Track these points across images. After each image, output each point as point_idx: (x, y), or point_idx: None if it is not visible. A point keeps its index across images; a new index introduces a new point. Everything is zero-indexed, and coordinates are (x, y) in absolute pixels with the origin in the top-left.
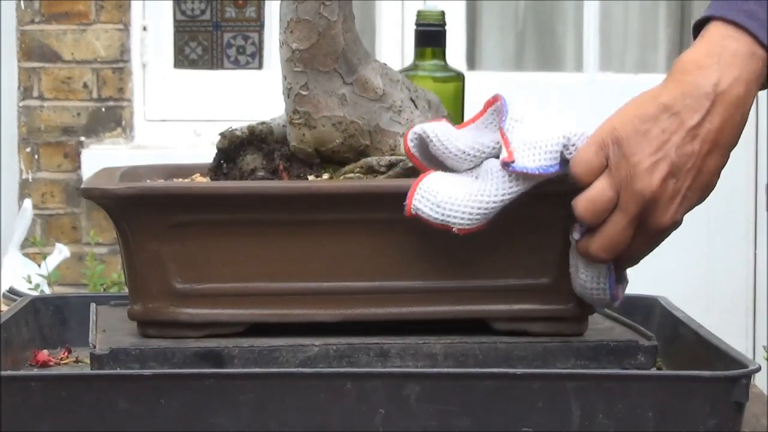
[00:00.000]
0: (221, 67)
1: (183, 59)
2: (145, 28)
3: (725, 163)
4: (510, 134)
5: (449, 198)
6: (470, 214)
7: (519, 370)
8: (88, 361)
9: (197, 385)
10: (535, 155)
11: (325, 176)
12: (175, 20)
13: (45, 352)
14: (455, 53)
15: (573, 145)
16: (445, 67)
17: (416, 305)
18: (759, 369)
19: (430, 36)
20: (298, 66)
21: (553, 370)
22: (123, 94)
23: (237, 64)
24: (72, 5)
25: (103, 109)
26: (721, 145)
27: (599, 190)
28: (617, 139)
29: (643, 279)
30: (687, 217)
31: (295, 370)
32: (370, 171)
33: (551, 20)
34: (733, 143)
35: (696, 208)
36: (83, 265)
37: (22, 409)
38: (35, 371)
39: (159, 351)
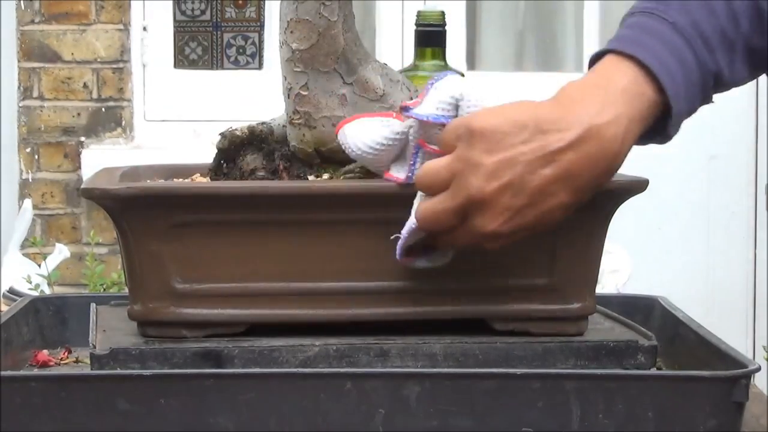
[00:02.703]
0: (221, 67)
1: (183, 59)
2: (145, 28)
3: (573, 204)
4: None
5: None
6: (359, 148)
7: (519, 370)
8: (88, 361)
9: (197, 385)
10: (429, 106)
11: (325, 176)
12: (175, 20)
13: (45, 352)
14: (455, 53)
15: (466, 101)
16: (445, 68)
17: (416, 305)
18: (759, 369)
19: (430, 36)
20: (298, 66)
21: (553, 370)
22: (123, 94)
23: (237, 65)
24: (72, 5)
25: (103, 109)
26: (575, 181)
27: (438, 165)
28: (476, 130)
29: (643, 279)
30: (687, 217)
31: (295, 370)
32: (370, 172)
33: (551, 20)
34: (590, 185)
35: (696, 208)
36: (83, 265)
37: (22, 409)
38: (35, 371)
39: (159, 351)
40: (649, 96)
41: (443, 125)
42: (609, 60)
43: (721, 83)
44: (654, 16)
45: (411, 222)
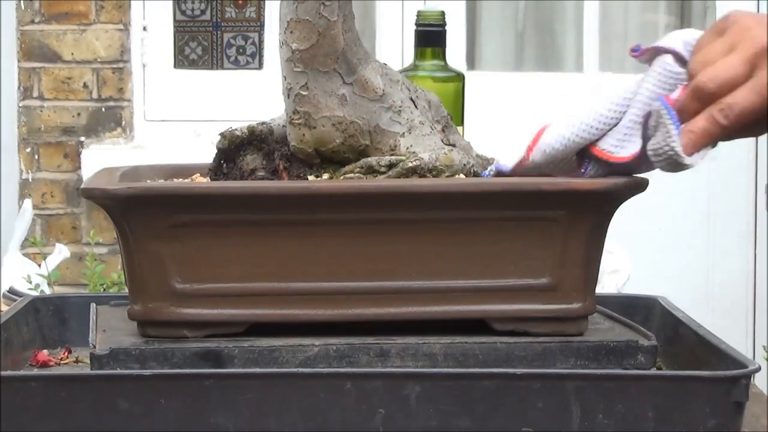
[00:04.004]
0: (221, 67)
1: (183, 59)
2: (145, 28)
3: None
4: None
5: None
6: (577, 134)
7: (519, 370)
8: (88, 361)
9: (197, 385)
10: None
11: (325, 176)
12: (175, 20)
13: (45, 352)
14: (455, 53)
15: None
16: (445, 67)
17: (416, 305)
18: (759, 369)
19: (430, 36)
20: (298, 66)
21: (553, 370)
22: (123, 94)
23: (237, 64)
24: (72, 5)
25: (103, 109)
26: None
27: (713, 47)
28: (734, 19)
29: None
30: (687, 217)
31: (295, 370)
32: (370, 171)
33: (551, 20)
34: None
35: (696, 208)
36: (83, 265)
37: (22, 409)
38: (35, 371)
39: (159, 351)
40: None
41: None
42: None
43: None
44: None
45: (670, 125)
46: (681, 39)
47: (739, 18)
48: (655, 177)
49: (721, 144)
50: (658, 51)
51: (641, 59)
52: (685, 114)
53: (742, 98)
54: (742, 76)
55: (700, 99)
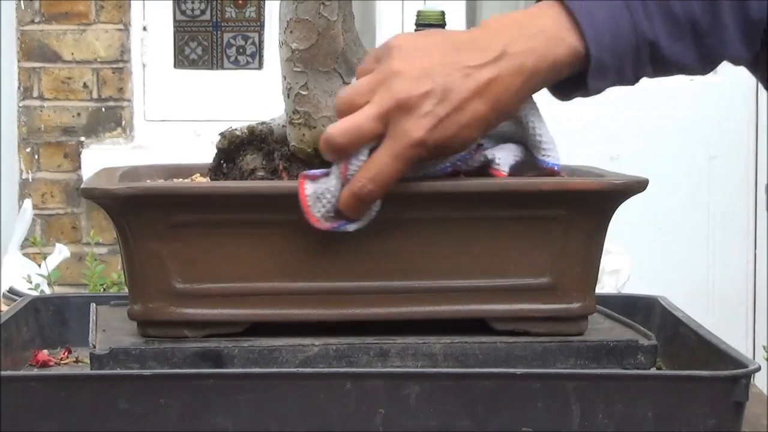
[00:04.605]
0: (221, 67)
1: (183, 59)
2: (145, 28)
3: (492, 119)
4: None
5: None
6: None
7: (519, 370)
8: (88, 361)
9: (197, 385)
10: None
11: None
12: (175, 20)
13: (45, 352)
14: None
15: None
16: None
17: (416, 305)
18: (759, 369)
19: None
20: (298, 66)
21: (553, 370)
22: (123, 94)
23: (237, 64)
24: (72, 5)
25: (103, 109)
26: (494, 94)
27: (359, 81)
28: (394, 46)
29: (643, 279)
30: (687, 217)
31: (295, 370)
32: None
33: None
34: (508, 100)
35: (696, 208)
36: (83, 265)
37: (22, 409)
38: (35, 371)
39: (159, 351)
40: (570, 42)
41: None
42: (542, 4)
43: (661, 57)
44: None
45: (332, 184)
46: None
47: (395, 46)
48: (656, 177)
49: (721, 144)
50: None
51: None
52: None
53: (385, 166)
54: (373, 134)
55: (333, 151)
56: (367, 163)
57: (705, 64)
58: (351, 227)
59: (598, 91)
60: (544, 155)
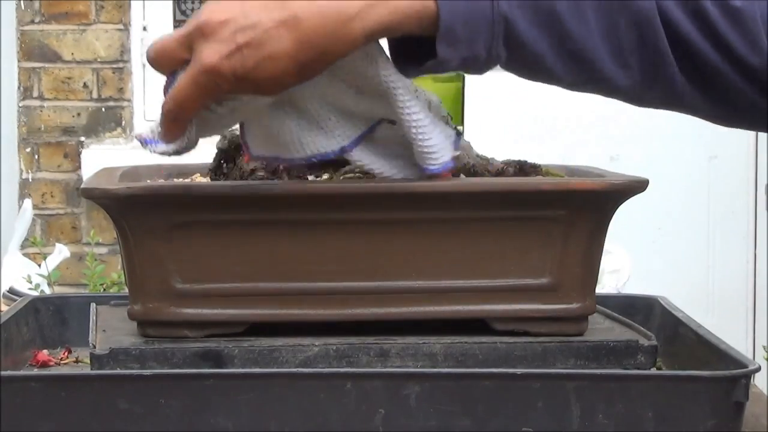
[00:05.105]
0: None
1: None
2: (145, 28)
3: (298, 59)
4: None
5: None
6: None
7: (519, 370)
8: (88, 361)
9: (197, 385)
10: None
11: (325, 176)
12: (175, 20)
13: (45, 352)
14: None
15: None
16: None
17: (416, 305)
18: (759, 369)
19: None
20: None
21: (553, 370)
22: (123, 94)
23: None
24: (72, 5)
25: (103, 109)
26: (302, 30)
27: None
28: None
29: (643, 279)
30: (687, 217)
31: (295, 370)
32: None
33: None
34: (317, 41)
35: (696, 208)
36: (83, 265)
37: (22, 409)
38: (35, 371)
39: (159, 351)
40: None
41: None
42: None
43: (516, 39)
44: None
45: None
46: None
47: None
48: (656, 177)
49: (721, 144)
50: None
51: None
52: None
53: (182, 87)
54: (176, 55)
55: (152, 65)
56: (173, 91)
57: (565, 66)
58: (159, 148)
59: (449, 64)
60: (429, 162)
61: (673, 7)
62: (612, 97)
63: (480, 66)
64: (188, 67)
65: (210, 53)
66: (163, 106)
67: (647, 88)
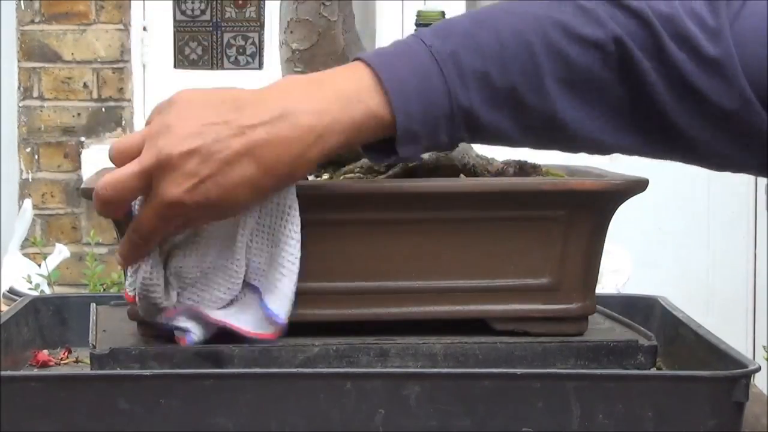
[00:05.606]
0: (221, 67)
1: (183, 59)
2: (145, 28)
3: (263, 184)
4: None
5: None
6: None
7: (519, 370)
8: (88, 361)
9: (197, 385)
10: None
11: (325, 176)
12: (175, 20)
13: (45, 352)
14: None
15: None
16: None
17: (416, 305)
18: (759, 369)
19: None
20: (298, 66)
21: (553, 370)
22: (123, 94)
23: (237, 65)
24: (72, 5)
25: (103, 109)
26: (264, 158)
27: (134, 135)
28: (175, 100)
29: (643, 279)
30: (687, 217)
31: (295, 370)
32: (370, 171)
33: None
34: (281, 166)
35: (696, 208)
36: (83, 265)
37: (22, 409)
38: (35, 371)
39: (159, 351)
40: (369, 105)
41: None
42: (351, 65)
43: (478, 126)
44: (417, 39)
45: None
46: None
47: (176, 101)
48: (656, 177)
49: None
50: None
51: None
52: None
53: (144, 220)
54: (136, 190)
55: (101, 204)
56: (136, 219)
57: (528, 136)
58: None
59: (415, 156)
60: (278, 308)
61: (642, 58)
62: (580, 152)
63: (445, 148)
64: (150, 199)
65: (173, 188)
66: (126, 234)
67: (615, 143)
